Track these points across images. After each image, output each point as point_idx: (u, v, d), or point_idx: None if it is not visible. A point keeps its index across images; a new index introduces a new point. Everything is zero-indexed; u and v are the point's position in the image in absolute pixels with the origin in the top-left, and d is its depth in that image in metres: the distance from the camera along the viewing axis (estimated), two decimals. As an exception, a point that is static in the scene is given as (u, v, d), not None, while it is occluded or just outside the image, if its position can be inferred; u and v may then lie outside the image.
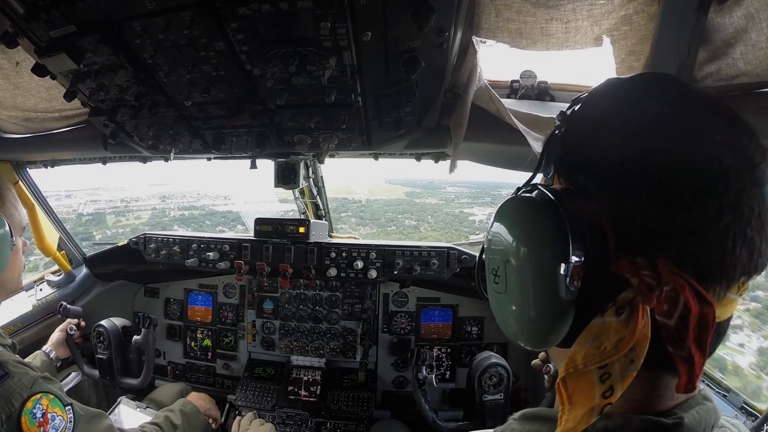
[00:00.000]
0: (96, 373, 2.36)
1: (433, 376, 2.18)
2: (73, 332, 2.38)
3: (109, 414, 2.12)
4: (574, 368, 0.53)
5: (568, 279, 0.53)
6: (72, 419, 1.36)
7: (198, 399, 2.20)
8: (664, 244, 0.50)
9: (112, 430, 1.53)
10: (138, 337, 2.23)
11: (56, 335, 2.36)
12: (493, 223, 0.65)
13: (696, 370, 0.46)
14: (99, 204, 12.01)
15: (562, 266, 0.53)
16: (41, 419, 1.27)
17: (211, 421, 2.24)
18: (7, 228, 1.40)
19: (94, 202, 11.89)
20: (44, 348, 2.29)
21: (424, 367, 2.15)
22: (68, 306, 2.42)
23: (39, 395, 1.29)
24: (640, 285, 0.50)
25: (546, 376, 1.69)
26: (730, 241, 0.49)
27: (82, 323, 2.45)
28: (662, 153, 0.51)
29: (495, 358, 2.07)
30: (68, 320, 2.39)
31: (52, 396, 1.33)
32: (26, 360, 2.15)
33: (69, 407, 1.37)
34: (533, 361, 1.76)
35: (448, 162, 1.85)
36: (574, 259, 0.53)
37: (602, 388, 0.50)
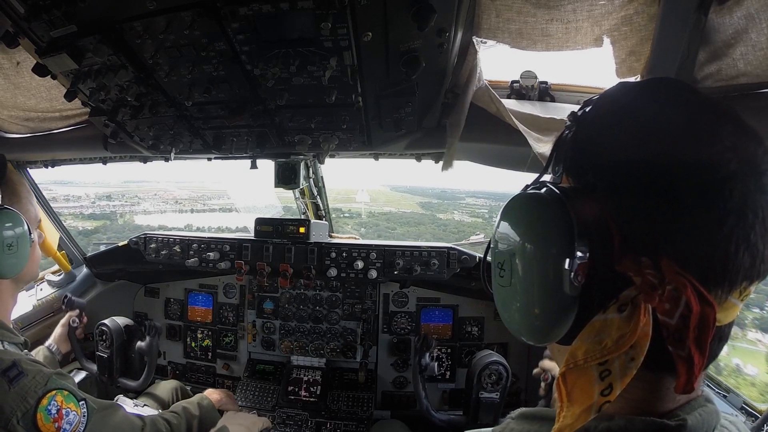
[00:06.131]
0: (94, 367, 2.37)
1: (435, 364, 2.19)
2: (75, 324, 2.40)
3: None
4: (574, 363, 0.53)
5: (572, 275, 0.54)
6: (85, 413, 1.39)
7: (213, 393, 2.21)
8: (668, 245, 0.51)
9: (127, 419, 1.54)
10: (142, 343, 2.25)
11: (59, 330, 2.39)
12: (501, 218, 0.65)
13: (695, 370, 0.47)
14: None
15: (567, 262, 0.54)
16: (56, 415, 1.30)
17: None
18: (26, 227, 1.42)
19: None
20: (47, 343, 2.32)
21: (427, 354, 2.16)
22: (73, 298, 2.46)
23: (54, 392, 1.32)
24: (642, 284, 0.50)
25: (543, 384, 1.69)
26: (733, 245, 0.50)
27: (84, 319, 2.47)
28: (670, 156, 0.52)
29: (495, 356, 2.08)
30: (69, 313, 2.42)
31: (66, 392, 1.36)
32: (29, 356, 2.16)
33: (83, 402, 1.40)
34: (534, 370, 1.76)
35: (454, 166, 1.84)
36: (578, 255, 0.54)
37: (601, 386, 0.51)
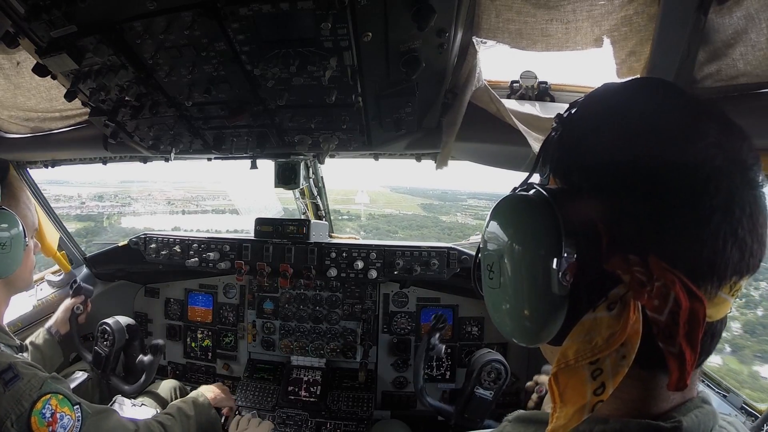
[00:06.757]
0: (89, 356, 2.38)
1: (443, 346, 2.17)
2: (79, 311, 2.41)
3: None
4: (565, 363, 0.53)
5: (560, 275, 0.54)
6: (80, 417, 1.39)
7: (209, 391, 2.22)
8: (655, 243, 0.51)
9: (121, 424, 1.55)
10: (145, 359, 2.26)
11: (61, 315, 2.40)
12: (489, 221, 0.66)
13: (687, 367, 0.47)
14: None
15: (555, 262, 0.54)
16: (50, 419, 1.30)
17: (225, 410, 2.26)
18: (21, 228, 1.43)
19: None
20: (46, 325, 2.34)
21: (438, 334, 2.15)
22: (82, 284, 2.48)
23: (48, 396, 1.32)
24: (631, 281, 0.51)
25: (534, 395, 1.68)
26: (721, 240, 0.50)
27: (88, 307, 2.49)
28: (655, 154, 0.52)
29: (497, 355, 2.08)
30: (74, 299, 2.43)
31: (61, 396, 1.36)
32: (29, 339, 2.17)
33: (77, 406, 1.40)
34: (527, 383, 1.76)
35: (454, 167, 1.85)
36: (566, 255, 0.54)
37: (594, 386, 0.51)
